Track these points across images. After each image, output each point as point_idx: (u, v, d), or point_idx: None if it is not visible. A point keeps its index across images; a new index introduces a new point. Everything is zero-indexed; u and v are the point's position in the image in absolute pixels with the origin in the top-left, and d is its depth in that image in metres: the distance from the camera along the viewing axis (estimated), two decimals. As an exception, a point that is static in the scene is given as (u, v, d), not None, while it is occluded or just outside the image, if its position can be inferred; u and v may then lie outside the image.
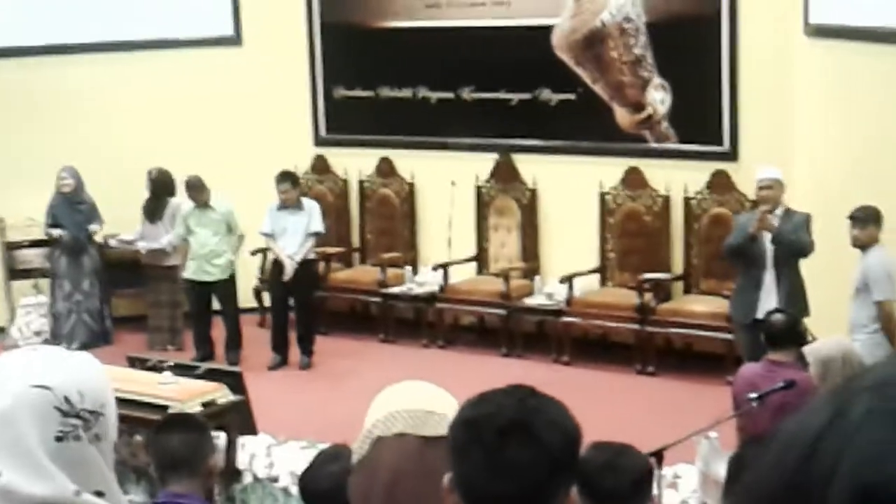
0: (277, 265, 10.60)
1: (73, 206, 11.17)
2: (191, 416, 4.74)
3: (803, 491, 0.80)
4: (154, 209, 11.17)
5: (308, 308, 10.74)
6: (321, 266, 11.36)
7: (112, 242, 11.43)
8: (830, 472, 0.79)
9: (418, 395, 2.31)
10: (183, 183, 10.65)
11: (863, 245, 7.68)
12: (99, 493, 1.96)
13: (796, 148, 9.45)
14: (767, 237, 8.43)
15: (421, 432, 2.22)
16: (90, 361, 2.07)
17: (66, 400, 1.94)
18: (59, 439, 1.93)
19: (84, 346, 10.87)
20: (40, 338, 11.21)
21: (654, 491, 4.77)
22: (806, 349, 6.02)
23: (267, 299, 11.32)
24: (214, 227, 10.60)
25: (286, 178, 10.61)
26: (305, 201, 10.74)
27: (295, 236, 10.52)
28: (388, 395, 2.35)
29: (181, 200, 10.94)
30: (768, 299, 8.23)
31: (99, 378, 2.04)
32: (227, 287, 10.65)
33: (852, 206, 7.98)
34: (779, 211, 8.49)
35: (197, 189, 10.57)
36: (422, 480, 2.16)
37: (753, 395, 5.95)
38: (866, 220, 7.67)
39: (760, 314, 7.94)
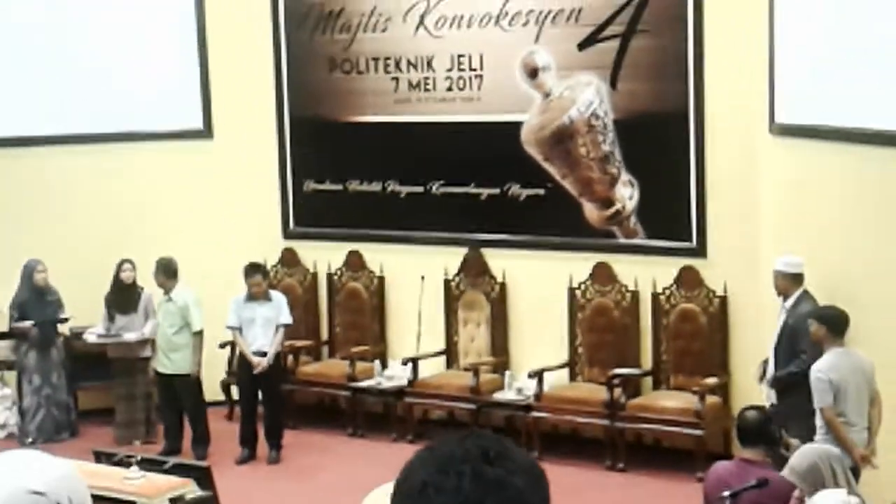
0: (244, 359, 10.55)
1: (43, 299, 11.09)
2: None
3: None
4: (128, 301, 11.07)
5: (277, 401, 10.69)
6: (290, 359, 11.33)
7: (91, 338, 11.23)
8: None
9: None
10: (156, 263, 10.59)
11: (818, 343, 7.79)
12: None
13: (763, 244, 9.54)
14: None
15: None
16: (73, 467, 2.06)
17: None
18: None
19: (51, 440, 10.77)
20: (5, 431, 11.10)
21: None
22: (785, 471, 5.97)
23: (235, 392, 11.26)
24: (171, 319, 10.55)
25: (257, 270, 10.60)
26: (273, 293, 10.73)
27: (264, 328, 10.49)
28: None
29: (151, 291, 10.89)
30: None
31: (83, 484, 2.03)
32: (186, 381, 10.54)
33: (821, 300, 8.06)
34: (789, 302, 8.56)
35: (167, 272, 10.50)
36: None
37: (727, 493, 5.94)
38: (821, 320, 7.78)
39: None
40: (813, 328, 7.76)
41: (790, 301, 8.57)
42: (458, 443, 1.72)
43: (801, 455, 5.93)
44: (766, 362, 8.77)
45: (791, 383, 8.32)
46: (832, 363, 7.57)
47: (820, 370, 7.57)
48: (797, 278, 8.61)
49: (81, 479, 2.02)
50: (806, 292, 8.58)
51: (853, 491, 5.74)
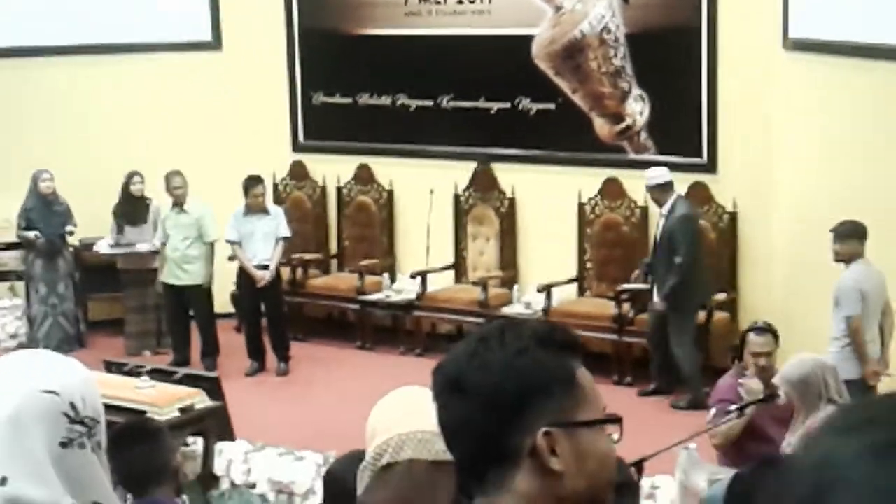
0: (245, 273, 10.57)
1: (49, 208, 11.11)
2: (144, 425, 4.63)
3: None
4: (138, 213, 11.11)
5: (280, 314, 10.72)
6: (299, 272, 11.36)
7: (103, 249, 11.26)
8: None
9: (423, 411, 2.29)
10: (164, 177, 10.59)
11: (844, 260, 7.67)
12: None
13: (774, 160, 9.50)
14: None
15: (429, 456, 2.21)
16: (83, 368, 2.06)
17: (72, 406, 1.93)
18: (63, 445, 1.91)
19: (58, 350, 10.82)
20: (16, 341, 11.17)
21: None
22: (776, 379, 6.01)
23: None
24: (185, 231, 10.56)
25: (259, 181, 10.58)
26: (271, 206, 10.74)
27: (264, 241, 10.49)
28: (393, 411, 2.32)
29: (160, 203, 10.91)
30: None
31: (94, 385, 2.03)
32: (199, 293, 10.59)
33: (832, 217, 8.01)
34: (665, 208, 9.44)
35: (176, 182, 10.50)
36: (433, 503, 2.16)
37: (733, 406, 5.98)
38: (847, 236, 7.66)
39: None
40: (851, 244, 7.65)
41: (666, 207, 9.39)
42: None
43: (795, 365, 5.94)
44: (647, 265, 9.65)
45: (674, 294, 9.28)
46: (863, 273, 7.55)
47: (853, 279, 7.54)
48: (667, 186, 9.45)
49: (93, 382, 2.03)
50: (679, 196, 9.47)
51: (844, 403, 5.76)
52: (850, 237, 7.64)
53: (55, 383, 1.93)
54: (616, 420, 1.84)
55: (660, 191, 9.49)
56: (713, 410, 6.47)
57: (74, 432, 1.92)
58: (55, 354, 2.07)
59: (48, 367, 1.98)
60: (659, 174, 9.52)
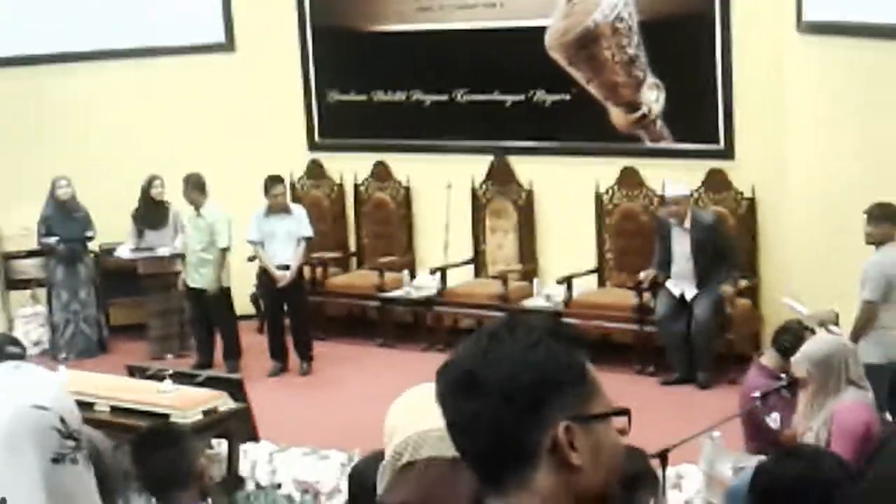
0: (267, 273, 10.57)
1: (68, 215, 11.13)
2: (168, 429, 4.63)
3: None
4: (158, 216, 11.12)
5: (302, 314, 10.71)
6: (318, 271, 11.35)
7: (124, 254, 11.23)
8: None
9: None
10: (182, 180, 10.58)
11: (875, 242, 7.53)
12: None
13: (792, 144, 9.45)
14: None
15: (448, 454, 2.20)
16: (61, 381, 2.04)
17: (62, 420, 1.88)
18: (55, 461, 1.86)
19: (82, 356, 10.89)
20: (39, 348, 11.20)
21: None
22: (798, 357, 5.87)
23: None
24: (200, 235, 10.55)
25: (279, 181, 10.57)
26: (293, 206, 10.73)
27: (285, 242, 10.49)
28: (412, 409, 2.31)
29: (179, 207, 10.92)
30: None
31: (71, 398, 2.00)
32: (216, 297, 10.57)
33: (849, 202, 7.94)
34: (687, 223, 9.57)
35: (197, 188, 10.49)
36: (453, 501, 2.15)
37: (756, 394, 5.95)
38: (880, 218, 7.51)
39: None
40: (884, 227, 7.49)
41: (688, 221, 9.56)
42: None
43: (817, 344, 5.83)
44: (664, 274, 9.75)
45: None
46: (892, 258, 7.39)
47: (881, 265, 7.33)
48: (689, 198, 9.69)
49: (70, 396, 1.99)
50: (693, 207, 9.72)
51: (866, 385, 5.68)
52: (883, 219, 7.50)
53: (44, 398, 1.88)
54: (626, 412, 1.81)
55: (685, 202, 9.63)
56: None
57: (66, 447, 1.88)
58: (37, 367, 2.02)
59: (35, 381, 1.93)
60: (682, 186, 9.67)
